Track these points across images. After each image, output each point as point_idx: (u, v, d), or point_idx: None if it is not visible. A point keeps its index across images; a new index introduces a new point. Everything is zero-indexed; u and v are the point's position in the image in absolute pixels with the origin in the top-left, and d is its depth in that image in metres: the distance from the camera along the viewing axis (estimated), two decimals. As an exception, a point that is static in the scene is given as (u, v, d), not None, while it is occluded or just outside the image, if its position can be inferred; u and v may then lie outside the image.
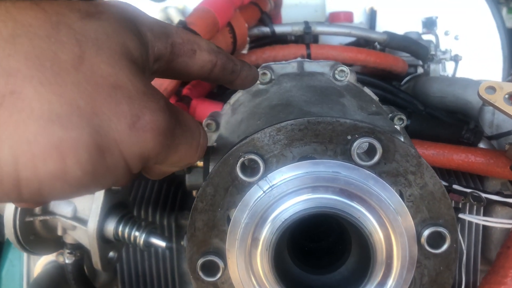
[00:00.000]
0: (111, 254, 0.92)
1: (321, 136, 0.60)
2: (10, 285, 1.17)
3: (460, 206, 1.17)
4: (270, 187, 0.60)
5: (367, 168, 0.60)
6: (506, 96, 1.03)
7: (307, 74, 1.03)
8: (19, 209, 0.84)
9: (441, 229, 0.60)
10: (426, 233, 0.60)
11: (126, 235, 0.86)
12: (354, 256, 0.65)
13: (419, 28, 2.35)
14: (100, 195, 0.84)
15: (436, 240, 0.61)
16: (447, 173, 1.25)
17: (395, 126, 0.93)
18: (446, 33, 2.56)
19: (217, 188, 0.62)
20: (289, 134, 0.60)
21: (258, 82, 0.99)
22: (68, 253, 0.92)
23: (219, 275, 0.62)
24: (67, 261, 0.93)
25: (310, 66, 1.06)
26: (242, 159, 0.59)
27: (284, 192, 0.60)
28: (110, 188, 0.85)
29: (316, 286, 0.64)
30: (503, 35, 2.63)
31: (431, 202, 0.61)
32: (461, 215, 1.14)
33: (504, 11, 4.69)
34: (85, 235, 0.86)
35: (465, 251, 1.15)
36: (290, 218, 0.59)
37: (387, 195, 0.60)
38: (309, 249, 0.70)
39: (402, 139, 0.65)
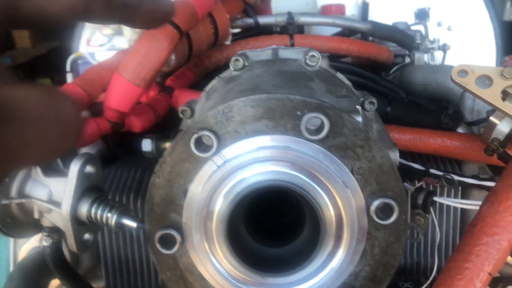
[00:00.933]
0: (86, 236, 0.94)
1: (272, 113, 0.62)
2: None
3: (436, 190, 1.18)
4: (224, 162, 0.62)
5: (316, 142, 0.61)
6: (478, 79, 1.04)
7: (280, 60, 1.05)
8: (-6, 192, 0.86)
9: (389, 200, 0.62)
10: (375, 204, 0.62)
11: (98, 216, 0.88)
12: (308, 229, 0.67)
13: (412, 20, 2.36)
14: (73, 178, 0.86)
15: (385, 211, 0.62)
16: (426, 158, 1.26)
17: (368, 110, 0.95)
18: (438, 24, 2.57)
19: (173, 164, 0.64)
20: (241, 111, 0.62)
21: (232, 68, 1.01)
22: (46, 235, 0.95)
23: (176, 247, 0.65)
24: (44, 244, 0.95)
25: (285, 53, 1.08)
26: (195, 135, 0.61)
27: (237, 166, 0.62)
28: (83, 171, 0.87)
29: (271, 258, 0.66)
30: (496, 25, 2.64)
31: (380, 174, 0.62)
32: (436, 198, 1.15)
33: (508, 4, 4.68)
34: (60, 217, 0.88)
35: (439, 236, 1.17)
36: (242, 191, 0.61)
37: (336, 168, 0.62)
38: (270, 225, 0.72)
39: (361, 119, 0.67)
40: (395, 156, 0.97)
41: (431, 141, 1.19)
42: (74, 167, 0.86)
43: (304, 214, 0.69)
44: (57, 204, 0.88)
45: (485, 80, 1.05)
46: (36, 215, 0.93)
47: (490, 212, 0.92)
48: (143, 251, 1.24)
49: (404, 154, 1.27)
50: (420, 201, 1.15)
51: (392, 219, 0.62)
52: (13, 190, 0.90)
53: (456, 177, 1.17)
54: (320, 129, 0.61)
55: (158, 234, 0.64)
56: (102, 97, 1.15)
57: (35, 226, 0.96)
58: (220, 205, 0.62)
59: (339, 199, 0.62)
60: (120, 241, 1.23)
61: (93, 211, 0.88)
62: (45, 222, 0.94)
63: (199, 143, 0.62)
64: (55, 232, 0.96)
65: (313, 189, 0.61)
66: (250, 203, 0.68)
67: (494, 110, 1.07)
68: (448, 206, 1.20)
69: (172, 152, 0.63)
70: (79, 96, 1.08)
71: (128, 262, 1.25)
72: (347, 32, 1.77)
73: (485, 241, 0.88)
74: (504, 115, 1.04)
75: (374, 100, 0.97)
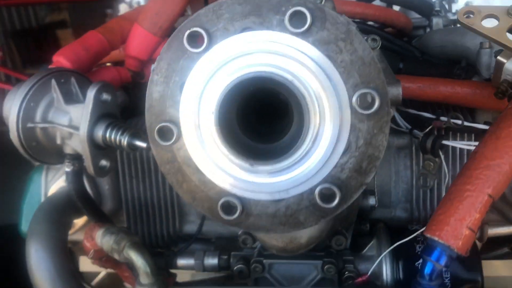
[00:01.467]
0: (103, 162, 1.01)
1: (258, 9, 0.67)
2: (33, 203, 1.31)
3: (446, 134, 1.18)
4: (215, 56, 0.67)
5: (300, 36, 0.66)
6: (484, 18, 1.05)
7: None
8: (21, 114, 0.95)
9: (371, 91, 0.65)
10: (357, 95, 0.65)
11: (113, 139, 0.95)
12: (295, 124, 0.71)
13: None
14: (89, 103, 0.94)
15: (367, 102, 0.65)
16: (437, 108, 1.26)
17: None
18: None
19: (169, 61, 0.70)
20: (230, 9, 0.67)
21: None
22: (67, 161, 1.03)
23: (173, 139, 0.70)
24: (66, 169, 1.04)
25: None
26: (188, 31, 0.67)
27: (226, 59, 0.67)
28: (99, 97, 0.95)
29: (261, 151, 0.70)
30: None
31: (361, 67, 0.66)
32: (445, 142, 1.16)
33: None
34: (79, 142, 0.96)
35: (449, 178, 1.17)
36: (232, 82, 0.66)
37: (320, 61, 0.66)
38: (262, 130, 0.76)
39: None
40: (398, 91, 1.00)
41: (441, 88, 1.20)
42: (90, 93, 0.94)
43: (292, 115, 0.72)
44: (76, 128, 0.97)
45: (492, 19, 1.06)
46: (58, 141, 1.01)
47: (492, 138, 0.92)
48: (161, 196, 1.31)
49: (414, 104, 1.28)
50: (429, 145, 1.17)
51: (374, 108, 0.65)
52: (38, 116, 0.99)
53: (466, 123, 1.17)
54: (303, 22, 0.65)
55: (157, 127, 0.70)
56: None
57: (58, 153, 1.05)
58: (212, 96, 0.67)
59: (322, 90, 0.66)
60: (140, 186, 1.30)
61: (107, 134, 0.96)
62: (67, 149, 1.03)
63: (192, 40, 0.68)
64: (76, 159, 1.04)
65: (297, 79, 0.65)
66: (243, 106, 0.73)
67: (501, 50, 1.07)
68: (460, 152, 1.20)
69: (168, 50, 0.69)
70: (100, 42, 1.17)
71: (148, 207, 1.32)
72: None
73: (485, 164, 0.89)
74: (511, 52, 1.04)
75: (377, 38, 1.00)
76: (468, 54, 1.48)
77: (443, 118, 1.18)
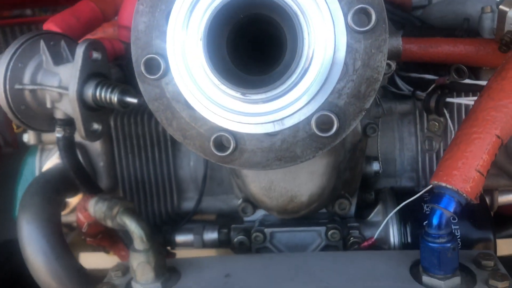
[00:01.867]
0: (95, 125, 0.98)
1: None
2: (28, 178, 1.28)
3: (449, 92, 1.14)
4: (202, -19, 0.64)
5: (290, -47, 0.62)
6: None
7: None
8: (8, 74, 0.92)
9: (366, 6, 0.61)
10: (352, 12, 0.62)
11: (103, 97, 0.92)
12: (288, 53, 0.67)
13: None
14: (78, 60, 0.91)
15: (362, 19, 0.62)
16: (440, 69, 1.22)
17: None
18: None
19: (155, -12, 0.66)
20: None
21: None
22: (58, 127, 0.99)
23: (160, 72, 0.67)
24: (57, 135, 1.00)
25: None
26: (173, -46, 0.64)
27: (213, -18, 0.64)
28: (88, 54, 0.92)
29: (253, 81, 0.66)
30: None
31: (355, -18, 0.62)
32: (449, 99, 1.12)
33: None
34: (70, 104, 0.93)
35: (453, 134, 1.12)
36: (219, 4, 0.63)
37: (311, -22, 0.62)
38: (254, 63, 0.73)
39: None
40: (397, 41, 0.97)
41: (443, 47, 1.15)
42: (79, 50, 0.92)
43: (285, 44, 0.69)
44: (66, 88, 0.93)
45: (491, -34, 1.03)
46: (48, 105, 0.98)
47: (497, 79, 0.88)
48: (158, 172, 1.27)
49: (416, 66, 1.24)
50: (432, 104, 1.13)
51: (371, 25, 0.61)
52: (26, 78, 0.96)
53: (470, 81, 1.13)
54: None
55: (143, 60, 0.67)
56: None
57: (48, 118, 1.01)
58: (199, 22, 0.64)
59: (315, 7, 0.62)
60: (136, 163, 1.27)
61: (97, 92, 0.93)
62: (58, 114, 1.00)
63: (178, -36, 0.65)
64: (67, 125, 1.00)
65: (288, -3, 0.62)
66: (233, 37, 0.69)
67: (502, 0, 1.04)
68: (466, 110, 1.16)
69: (153, -24, 0.66)
70: (93, 11, 1.14)
71: (144, 184, 1.28)
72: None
73: (492, 105, 0.85)
74: (513, -1, 1.01)
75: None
76: (470, 22, 1.45)
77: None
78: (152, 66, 0.67)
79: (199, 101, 0.68)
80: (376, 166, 1.17)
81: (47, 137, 1.32)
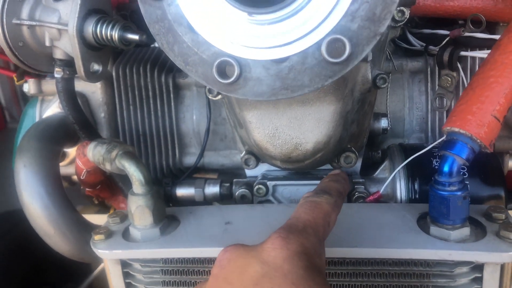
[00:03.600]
0: (95, 66, 0.95)
1: None
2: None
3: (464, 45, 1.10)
4: None
5: None
6: None
7: None
8: (5, 7, 0.89)
9: None
10: None
11: (103, 34, 0.88)
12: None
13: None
14: (78, -2, 0.87)
15: None
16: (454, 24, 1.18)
17: None
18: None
19: None
20: None
21: None
22: (57, 67, 0.96)
23: (163, -9, 0.63)
24: (56, 75, 0.97)
25: None
26: None
27: None
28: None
29: (260, 1, 0.62)
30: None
31: None
32: (463, 53, 1.07)
33: None
34: (69, 42, 0.90)
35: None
36: None
37: None
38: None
39: None
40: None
41: (459, 1, 1.11)
42: (80, -18, 0.88)
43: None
44: (66, 25, 0.90)
45: None
46: (47, 43, 0.95)
47: (517, 23, 0.84)
48: (160, 125, 1.24)
49: (429, 21, 1.20)
50: (446, 58, 1.08)
51: None
52: (24, 13, 0.93)
53: (486, 35, 1.08)
54: None
55: (144, -22, 0.63)
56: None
57: (47, 58, 0.98)
58: None
59: None
60: (138, 115, 1.23)
61: (98, 29, 0.89)
62: (57, 53, 0.96)
63: None
64: (67, 66, 0.97)
65: None
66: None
67: None
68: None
69: None
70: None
71: (146, 137, 1.25)
72: None
73: (511, 49, 0.81)
74: None
75: None
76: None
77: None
78: (153, -15, 0.63)
79: (203, 24, 0.64)
80: (384, 123, 1.13)
81: (48, 87, 1.28)
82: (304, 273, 0.59)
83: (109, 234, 0.93)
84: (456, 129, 0.78)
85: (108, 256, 0.90)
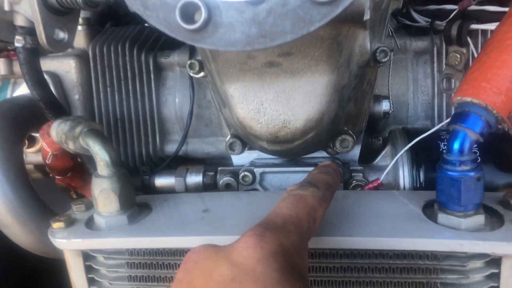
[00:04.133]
0: (60, 34, 0.84)
1: None
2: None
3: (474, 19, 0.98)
4: None
5: None
6: None
7: None
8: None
9: None
10: None
11: (67, -6, 0.78)
12: None
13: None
14: None
15: None
16: None
17: None
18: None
19: None
20: None
21: None
22: (18, 35, 0.86)
23: None
24: (17, 45, 0.87)
25: None
26: None
27: None
28: None
29: None
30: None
31: None
32: (473, 26, 0.96)
33: None
34: (29, 2, 0.80)
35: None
36: None
37: None
38: None
39: None
40: None
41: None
42: None
43: None
44: (25, -17, 0.80)
45: None
46: (6, 7, 0.84)
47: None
48: (139, 109, 1.13)
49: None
50: (454, 32, 0.97)
51: None
52: (-21, -32, 0.83)
53: (498, 8, 0.97)
54: None
55: None
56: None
57: (7, 26, 0.88)
58: None
59: None
60: (116, 97, 1.13)
61: (61, -13, 0.78)
62: (18, 20, 0.86)
63: None
64: (29, 34, 0.87)
65: None
66: None
67: None
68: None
69: None
70: None
71: (124, 121, 1.14)
72: None
73: (532, 6, 0.69)
74: None
75: None
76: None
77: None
78: None
79: (165, -42, 0.53)
80: (386, 106, 1.02)
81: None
82: (280, 277, 0.49)
83: (70, 222, 0.82)
84: (468, 99, 0.67)
85: (67, 246, 0.79)
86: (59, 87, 1.12)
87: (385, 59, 0.86)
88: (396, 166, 0.90)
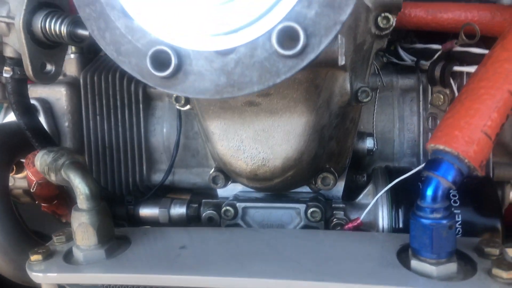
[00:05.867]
0: (48, 66, 0.86)
1: None
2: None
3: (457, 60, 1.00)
4: None
5: None
6: None
7: None
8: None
9: None
10: None
11: (52, 29, 0.80)
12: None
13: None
14: (28, -12, 0.80)
15: None
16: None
17: None
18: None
19: None
20: None
21: None
22: (7, 65, 0.88)
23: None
24: (5, 75, 0.88)
25: None
26: None
27: None
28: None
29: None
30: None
31: None
32: (456, 68, 0.97)
33: None
34: (17, 35, 0.82)
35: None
36: None
37: None
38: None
39: None
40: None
41: (454, 12, 1.01)
42: (30, -27, 0.80)
43: None
44: (14, 18, 0.82)
45: None
46: (-5, 39, 0.87)
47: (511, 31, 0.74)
48: (127, 137, 1.15)
49: (422, 36, 1.10)
50: (437, 73, 0.98)
51: None
52: (-28, 5, 0.85)
53: (481, 50, 0.98)
54: None
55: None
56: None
57: (-3, 57, 0.90)
58: None
59: None
60: (105, 125, 1.14)
61: (47, 23, 0.81)
62: (7, 51, 0.88)
63: None
64: (17, 65, 0.89)
65: None
66: None
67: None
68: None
69: None
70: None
71: (112, 149, 1.15)
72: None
73: (506, 56, 0.71)
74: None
75: None
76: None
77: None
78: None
79: (138, 8, 0.55)
80: (370, 143, 1.02)
81: (13, 94, 1.20)
82: None
83: (48, 254, 0.82)
84: (441, 147, 0.67)
85: (43, 280, 0.79)
86: (50, 113, 1.14)
87: (367, 99, 0.87)
88: (376, 205, 0.90)
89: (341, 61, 0.68)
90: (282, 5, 0.51)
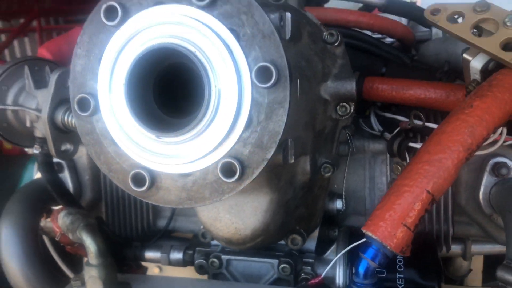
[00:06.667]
0: (67, 146, 1.07)
1: (169, -15, 0.70)
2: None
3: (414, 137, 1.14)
4: (127, 29, 0.71)
5: (206, 10, 0.68)
6: (449, 16, 1.02)
7: None
8: (-8, 96, 1.04)
9: (268, 64, 0.65)
10: (255, 68, 0.66)
11: (70, 122, 1.00)
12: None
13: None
14: (52, 86, 1.00)
15: (266, 75, 0.66)
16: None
17: (328, 42, 0.99)
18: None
19: (91, 35, 0.74)
20: (145, -14, 0.71)
21: None
22: (36, 144, 1.09)
23: (90, 110, 0.74)
24: (35, 151, 1.10)
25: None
26: (105, 5, 0.71)
27: (136, 32, 0.70)
28: (61, 81, 1.01)
29: (171, 124, 0.72)
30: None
31: (262, 40, 0.66)
32: (412, 144, 1.11)
33: None
34: (43, 124, 1.03)
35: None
36: (139, 54, 0.69)
37: (223, 34, 0.67)
38: (181, 106, 0.78)
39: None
40: (351, 85, 0.99)
41: (414, 90, 1.15)
42: (53, 77, 1.01)
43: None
44: (41, 111, 1.03)
45: (457, 16, 1.02)
46: (28, 124, 1.08)
47: (438, 133, 0.89)
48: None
49: (389, 107, 1.25)
50: (395, 147, 1.13)
51: (271, 82, 0.65)
52: (9, 99, 1.07)
53: (435, 125, 1.12)
54: (208, -3, 0.67)
55: (76, 98, 0.74)
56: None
57: (29, 136, 1.12)
58: (123, 68, 0.70)
59: (223, 63, 0.67)
60: (118, 179, 1.35)
61: (66, 117, 1.01)
62: (37, 132, 1.10)
63: (110, 14, 0.71)
64: (45, 143, 1.10)
65: (200, 51, 0.67)
66: (160, 82, 0.75)
67: (468, 47, 1.03)
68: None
69: (89, 24, 0.73)
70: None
71: (125, 199, 1.36)
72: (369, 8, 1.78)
73: (426, 158, 0.85)
74: (476, 50, 1.00)
75: (335, 32, 1.00)
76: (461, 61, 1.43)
77: (417, 122, 1.14)
78: (84, 104, 0.74)
79: (123, 139, 0.74)
80: (339, 204, 1.18)
81: (45, 148, 1.43)
82: None
83: (66, 298, 1.03)
84: (369, 234, 0.83)
85: (60, 320, 1.00)
86: (73, 169, 1.35)
87: (329, 174, 1.04)
88: (335, 264, 1.06)
89: (291, 159, 0.85)
90: (225, 144, 0.69)
